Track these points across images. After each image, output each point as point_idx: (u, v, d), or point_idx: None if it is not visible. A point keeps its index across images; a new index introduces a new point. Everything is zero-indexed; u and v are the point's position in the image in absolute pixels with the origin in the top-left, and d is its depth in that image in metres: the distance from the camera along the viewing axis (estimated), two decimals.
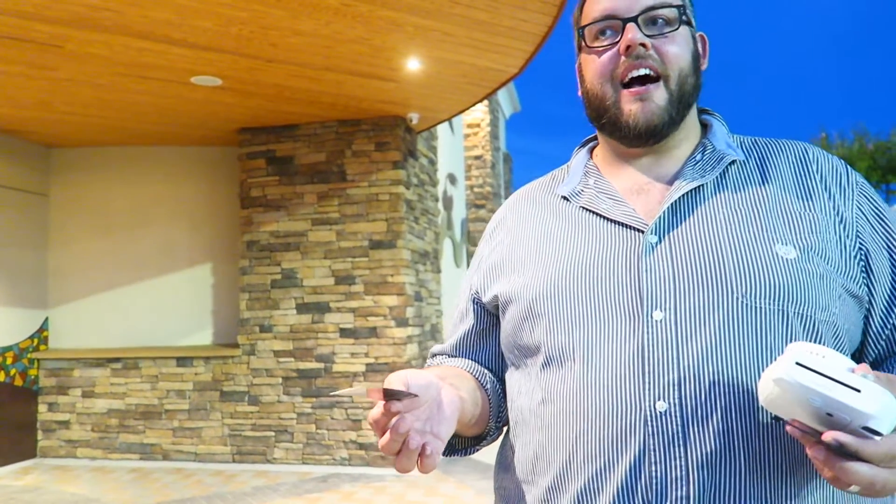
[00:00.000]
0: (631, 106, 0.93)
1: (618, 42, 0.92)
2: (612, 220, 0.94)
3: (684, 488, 0.80)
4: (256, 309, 5.76)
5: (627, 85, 0.93)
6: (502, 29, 3.93)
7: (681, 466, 0.80)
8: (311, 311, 5.64)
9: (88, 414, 6.05)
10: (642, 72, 0.91)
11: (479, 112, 10.94)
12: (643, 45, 0.91)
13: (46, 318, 6.31)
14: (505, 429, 1.08)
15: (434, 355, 1.17)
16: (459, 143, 10.08)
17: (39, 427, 6.11)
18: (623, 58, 0.92)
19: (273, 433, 5.67)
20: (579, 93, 1.02)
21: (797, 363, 0.67)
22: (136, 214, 6.42)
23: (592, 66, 0.96)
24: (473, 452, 1.05)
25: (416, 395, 0.77)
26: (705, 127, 1.03)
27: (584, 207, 0.98)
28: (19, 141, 6.05)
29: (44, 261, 6.33)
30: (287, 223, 5.74)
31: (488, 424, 1.03)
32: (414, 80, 4.71)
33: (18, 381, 5.94)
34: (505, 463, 1.02)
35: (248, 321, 5.77)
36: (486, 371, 1.08)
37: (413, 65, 4.42)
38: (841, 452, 0.64)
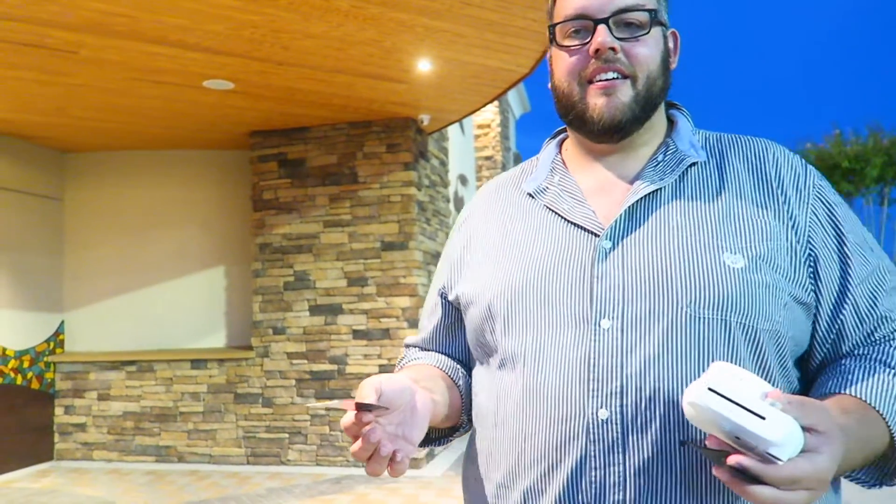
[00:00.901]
0: (597, 100, 0.93)
1: (587, 43, 0.93)
2: (570, 222, 0.94)
3: (621, 493, 0.82)
4: (269, 311, 5.78)
5: (592, 81, 0.94)
6: (513, 29, 3.93)
7: (619, 472, 0.83)
8: (324, 313, 5.66)
9: (104, 416, 6.10)
10: (610, 75, 0.92)
11: (490, 113, 10.94)
12: (612, 48, 0.91)
13: (62, 322, 6.37)
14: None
15: (408, 346, 1.18)
16: (470, 144, 10.08)
17: (56, 430, 6.17)
18: (593, 59, 0.92)
19: (287, 435, 5.69)
20: (549, 86, 1.01)
21: (709, 388, 0.70)
22: (150, 218, 6.47)
23: (562, 64, 0.96)
24: (448, 443, 1.09)
25: (386, 409, 0.80)
26: (671, 122, 1.03)
27: (546, 206, 0.99)
28: (34, 146, 6.11)
29: (59, 264, 6.39)
30: (299, 225, 5.76)
31: (461, 418, 1.05)
32: (425, 81, 4.72)
33: (35, 385, 6.00)
34: (472, 455, 1.04)
35: (261, 323, 5.79)
36: (458, 366, 1.09)
37: (424, 66, 4.43)
38: (745, 475, 0.67)
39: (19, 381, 5.82)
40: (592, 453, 0.84)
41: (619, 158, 0.98)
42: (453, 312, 1.09)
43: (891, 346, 0.89)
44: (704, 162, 0.95)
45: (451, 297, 1.07)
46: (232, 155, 6.43)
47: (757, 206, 0.91)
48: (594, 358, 0.85)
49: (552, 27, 0.98)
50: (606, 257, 0.89)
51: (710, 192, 0.92)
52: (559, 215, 0.96)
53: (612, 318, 0.86)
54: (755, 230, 0.88)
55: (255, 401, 5.79)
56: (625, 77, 0.92)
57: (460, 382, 1.06)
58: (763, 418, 0.67)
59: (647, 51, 0.92)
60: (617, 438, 0.83)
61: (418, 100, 5.17)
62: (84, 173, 6.48)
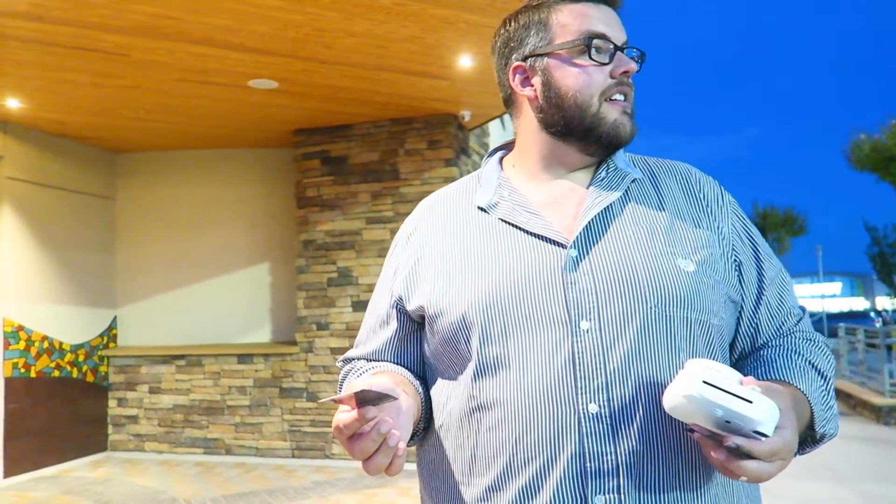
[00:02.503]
0: (620, 117, 1.03)
1: (607, 64, 1.02)
2: (531, 234, 1.00)
3: (615, 480, 0.90)
4: (313, 307, 5.86)
5: (611, 99, 1.04)
6: None
7: (611, 461, 0.90)
8: (367, 307, 5.70)
9: (155, 409, 6.27)
10: (620, 97, 1.03)
11: None
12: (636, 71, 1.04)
13: (115, 317, 6.57)
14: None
15: (349, 360, 1.19)
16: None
17: (110, 422, 6.37)
18: (612, 79, 1.03)
19: (331, 429, 5.75)
20: (537, 94, 1.06)
21: (704, 381, 0.79)
22: (198, 216, 6.62)
23: (581, 78, 1.03)
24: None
25: (393, 398, 0.80)
26: None
27: (502, 219, 1.04)
28: (87, 147, 6.31)
29: (112, 262, 6.59)
30: (342, 222, 5.83)
31: (417, 427, 1.06)
32: (466, 77, 4.72)
33: (90, 378, 6.20)
34: (432, 466, 1.06)
35: (305, 319, 5.88)
36: (413, 376, 1.10)
37: (465, 62, 4.43)
38: (737, 453, 0.79)
39: (75, 374, 6.03)
40: (587, 445, 0.90)
41: (570, 176, 1.07)
42: (408, 324, 1.10)
43: (797, 337, 1.05)
44: (642, 179, 1.07)
45: (410, 308, 1.07)
46: (276, 153, 6.53)
47: (692, 218, 1.03)
48: (578, 357, 0.92)
49: (563, 44, 1.03)
50: (576, 266, 0.96)
51: (653, 206, 1.04)
52: (517, 227, 1.02)
53: (590, 319, 0.93)
54: (696, 238, 1.01)
55: (299, 395, 5.88)
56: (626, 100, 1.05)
57: (420, 391, 1.07)
58: (751, 402, 0.78)
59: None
60: (607, 430, 0.90)
61: (459, 96, 5.17)
62: (135, 173, 6.67)
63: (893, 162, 9.20)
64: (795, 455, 1.00)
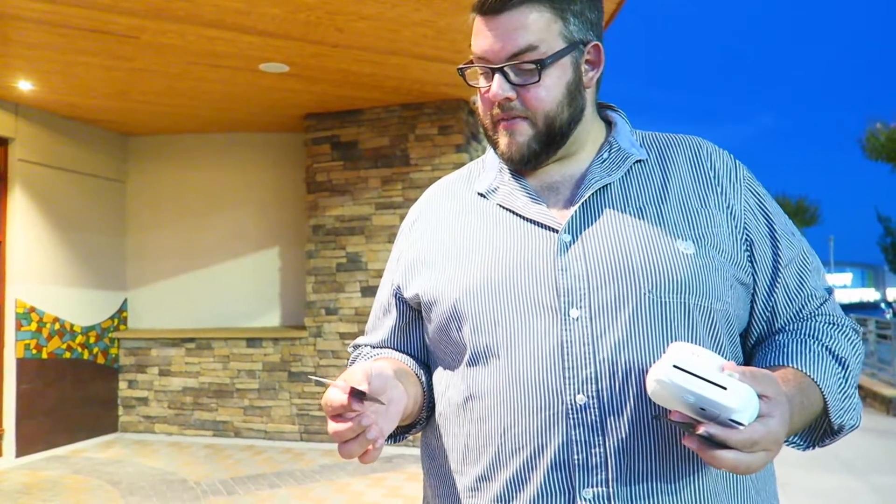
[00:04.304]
0: (502, 139, 0.99)
1: (488, 86, 0.97)
2: (526, 219, 0.98)
3: (603, 473, 0.87)
4: (322, 292, 5.87)
5: (501, 119, 0.99)
6: None
7: (600, 453, 0.87)
8: (376, 295, 5.70)
9: (165, 391, 6.32)
10: (510, 114, 0.97)
11: None
12: (507, 98, 0.95)
13: (125, 300, 6.60)
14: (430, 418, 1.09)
15: (357, 346, 1.18)
16: None
17: (120, 403, 6.42)
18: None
19: None
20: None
21: (674, 366, 0.76)
22: (208, 200, 6.63)
23: (479, 99, 1.01)
24: (403, 440, 1.08)
25: (381, 402, 0.82)
26: (609, 123, 1.07)
27: (500, 205, 1.02)
28: (98, 129, 6.32)
29: (122, 244, 6.62)
30: (352, 207, 5.82)
31: (420, 415, 1.05)
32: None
33: (101, 359, 6.25)
34: (433, 453, 1.05)
35: (314, 304, 5.89)
36: (418, 364, 1.09)
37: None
38: (712, 442, 0.75)
39: (86, 356, 6.07)
40: (574, 438, 0.88)
41: (562, 161, 1.03)
42: (408, 312, 1.09)
43: (817, 321, 0.99)
44: (646, 159, 1.02)
45: (407, 295, 1.07)
46: (286, 137, 6.52)
47: (699, 197, 0.98)
48: (567, 346, 0.90)
49: (461, 69, 1.01)
50: (567, 250, 0.93)
51: (656, 186, 0.99)
52: (514, 213, 1.00)
53: (581, 307, 0.90)
54: (700, 219, 0.96)
55: (308, 379, 5.90)
56: (524, 118, 0.97)
57: (423, 379, 1.07)
58: (725, 388, 0.74)
59: (543, 93, 0.95)
60: (595, 421, 0.88)
61: None
62: (145, 156, 6.67)
63: None
64: (813, 447, 0.97)
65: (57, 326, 5.76)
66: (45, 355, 5.62)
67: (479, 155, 5.94)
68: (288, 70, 4.75)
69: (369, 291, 5.73)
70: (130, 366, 6.42)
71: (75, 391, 5.93)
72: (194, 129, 6.46)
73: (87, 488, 4.71)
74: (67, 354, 5.85)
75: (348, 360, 1.21)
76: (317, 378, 0.80)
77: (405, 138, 5.70)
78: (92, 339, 6.15)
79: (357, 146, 5.83)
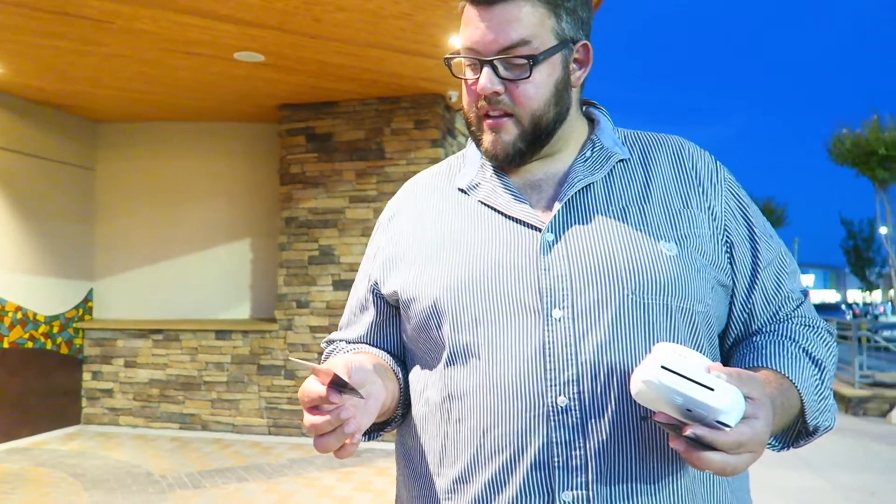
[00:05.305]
0: (487, 136, 0.97)
1: (475, 80, 0.95)
2: (509, 217, 0.96)
3: (583, 475, 0.86)
4: (294, 285, 5.82)
5: (487, 115, 0.97)
6: None
7: (580, 456, 0.87)
8: (348, 288, 5.64)
9: (131, 383, 6.22)
10: (496, 112, 0.96)
11: None
12: (496, 91, 0.93)
13: (91, 289, 6.48)
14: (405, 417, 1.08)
15: (331, 342, 1.16)
16: None
17: (84, 394, 6.30)
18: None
19: None
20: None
21: (662, 366, 0.75)
22: (179, 189, 6.53)
23: (464, 93, 1.00)
24: (378, 437, 1.07)
25: (361, 396, 0.80)
26: (592, 121, 1.06)
27: (481, 202, 1.00)
28: (68, 115, 6.18)
29: (90, 233, 6.49)
30: (325, 200, 5.78)
31: (396, 412, 1.04)
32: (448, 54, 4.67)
33: (64, 350, 6.12)
34: (409, 453, 1.03)
35: (285, 297, 5.84)
36: (395, 361, 1.08)
37: (455, 42, 4.39)
38: (698, 443, 0.74)
39: (49, 345, 5.95)
40: (555, 439, 0.87)
41: (545, 159, 1.01)
42: (386, 309, 1.08)
43: (793, 323, 1.00)
44: (629, 159, 1.01)
45: (385, 291, 1.05)
46: (261, 128, 6.45)
47: (681, 197, 0.98)
48: (549, 347, 0.88)
49: (448, 60, 1.00)
50: (551, 250, 0.92)
51: (639, 186, 0.98)
52: (496, 210, 0.98)
53: (563, 307, 0.89)
54: (683, 220, 0.96)
55: (277, 373, 5.86)
56: (510, 115, 0.95)
57: (400, 376, 1.05)
58: (712, 390, 0.73)
59: (533, 89, 0.94)
60: (576, 424, 0.87)
61: (447, 76, 5.10)
62: (116, 143, 6.54)
63: (873, 157, 9.30)
64: (788, 448, 0.97)
65: (19, 315, 5.63)
66: (6, 345, 5.49)
67: (454, 150, 5.94)
68: (263, 60, 4.69)
69: (341, 285, 5.70)
70: (95, 356, 6.30)
71: (38, 382, 5.81)
72: (166, 116, 6.35)
73: (50, 481, 4.62)
74: (30, 344, 5.73)
75: (321, 354, 1.19)
76: (297, 360, 0.78)
77: (381, 132, 5.67)
78: (56, 329, 6.03)
79: (332, 138, 5.78)
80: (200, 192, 6.51)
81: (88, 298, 6.44)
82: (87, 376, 6.31)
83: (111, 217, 6.53)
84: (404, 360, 1.09)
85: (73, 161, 6.27)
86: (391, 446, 5.44)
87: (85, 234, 6.43)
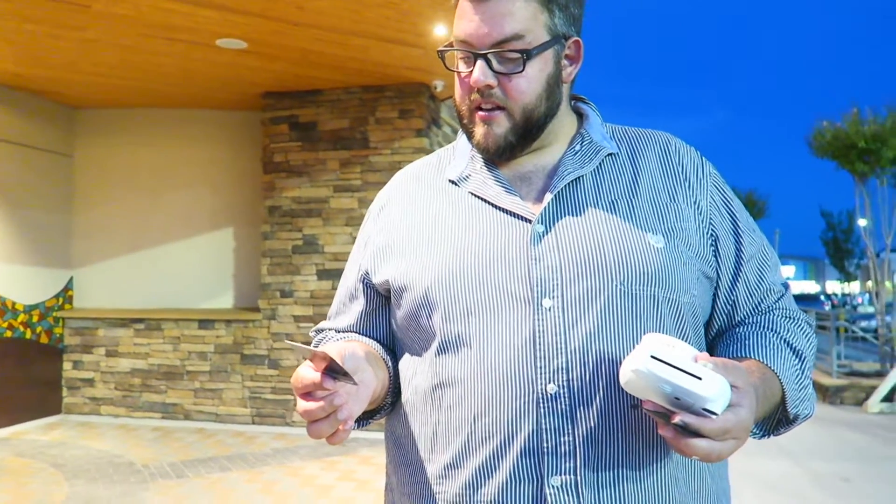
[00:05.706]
0: (479, 129, 0.99)
1: (469, 73, 0.97)
2: (500, 208, 0.98)
3: (571, 461, 0.89)
4: (278, 274, 5.80)
5: (479, 107, 0.99)
6: None
7: (569, 442, 0.89)
8: (332, 278, 5.67)
9: (112, 373, 6.17)
10: (488, 106, 0.97)
11: None
12: (488, 84, 0.95)
13: (71, 278, 6.40)
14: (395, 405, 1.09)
15: (320, 330, 1.17)
16: None
17: (64, 384, 6.25)
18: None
19: (292, 397, 5.74)
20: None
21: (652, 356, 0.77)
22: (161, 176, 6.46)
23: (456, 86, 1.01)
24: (367, 425, 1.08)
25: (354, 383, 0.81)
26: (581, 116, 1.08)
27: (472, 193, 1.02)
28: (46, 101, 6.08)
29: (69, 221, 6.41)
30: (309, 189, 5.75)
31: (385, 400, 1.06)
32: (440, 46, 4.65)
33: (44, 339, 6.06)
34: (399, 441, 1.05)
35: (269, 286, 5.82)
36: (385, 350, 1.09)
37: (440, 31, 4.37)
38: (686, 430, 0.77)
39: (28, 335, 5.88)
40: (544, 426, 0.89)
41: (535, 152, 1.03)
42: (376, 298, 1.09)
43: (774, 315, 1.03)
44: (617, 153, 1.03)
45: (376, 281, 1.06)
46: (243, 116, 6.39)
47: (668, 191, 1.01)
48: (539, 336, 0.91)
49: (441, 52, 1.01)
50: (541, 241, 0.94)
51: (627, 180, 1.01)
52: (487, 202, 1.00)
53: (553, 297, 0.91)
54: (670, 213, 0.98)
55: (261, 362, 5.84)
56: (502, 108, 0.97)
57: (390, 365, 1.07)
58: (700, 378, 0.76)
59: (525, 84, 0.95)
60: (565, 411, 0.89)
61: (433, 66, 5.11)
62: (95, 130, 6.45)
63: (853, 150, 9.37)
64: (769, 436, 1.00)
65: None
66: None
67: (439, 140, 5.93)
68: (246, 47, 4.64)
69: (325, 274, 5.69)
70: (76, 346, 6.25)
71: (17, 371, 5.74)
72: (147, 103, 6.27)
73: (30, 471, 4.58)
74: (9, 333, 5.66)
75: (308, 344, 1.19)
76: (295, 343, 0.78)
77: (365, 121, 5.64)
78: (35, 318, 5.96)
79: (316, 127, 5.75)
80: (182, 180, 6.45)
81: (68, 287, 6.37)
82: (67, 366, 6.25)
83: (91, 205, 6.45)
84: (393, 349, 1.10)
85: (52, 148, 6.18)
86: (375, 435, 5.46)
87: (64, 221, 6.35)
